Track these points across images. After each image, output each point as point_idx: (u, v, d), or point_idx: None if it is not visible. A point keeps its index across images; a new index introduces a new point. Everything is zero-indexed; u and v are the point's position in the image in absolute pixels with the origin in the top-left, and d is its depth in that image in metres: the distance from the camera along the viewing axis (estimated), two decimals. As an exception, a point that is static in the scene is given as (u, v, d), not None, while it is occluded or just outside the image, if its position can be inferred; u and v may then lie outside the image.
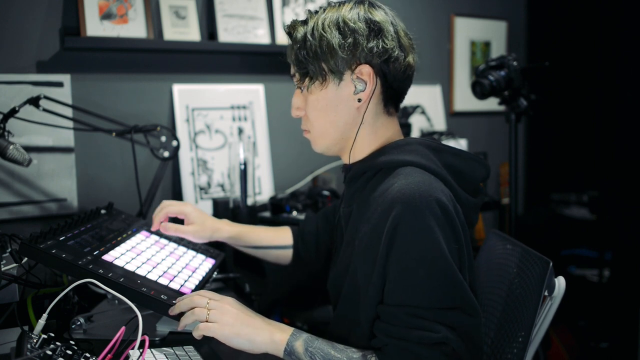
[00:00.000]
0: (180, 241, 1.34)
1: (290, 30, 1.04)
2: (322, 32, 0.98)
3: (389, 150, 1.00)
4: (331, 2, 1.04)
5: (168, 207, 1.30)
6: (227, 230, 1.30)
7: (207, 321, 0.92)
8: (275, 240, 1.34)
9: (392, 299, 0.89)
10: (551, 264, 1.04)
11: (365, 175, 1.02)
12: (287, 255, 1.35)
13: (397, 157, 0.97)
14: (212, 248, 1.39)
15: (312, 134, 1.06)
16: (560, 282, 1.07)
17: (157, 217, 1.29)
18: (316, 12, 1.03)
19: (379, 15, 0.99)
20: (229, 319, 0.92)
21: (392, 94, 1.02)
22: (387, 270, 0.89)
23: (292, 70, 1.05)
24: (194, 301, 0.95)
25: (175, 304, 0.99)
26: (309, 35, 0.99)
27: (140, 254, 1.16)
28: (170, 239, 1.33)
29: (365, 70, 0.97)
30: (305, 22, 1.02)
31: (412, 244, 0.87)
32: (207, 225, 1.29)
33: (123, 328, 0.85)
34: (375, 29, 0.97)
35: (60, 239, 1.06)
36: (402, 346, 0.87)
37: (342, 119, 1.01)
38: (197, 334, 0.93)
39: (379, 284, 0.90)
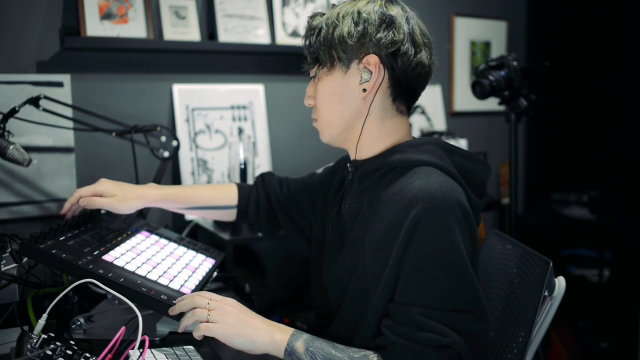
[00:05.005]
0: (180, 241, 1.34)
1: (310, 19, 1.07)
2: (336, 20, 1.00)
3: (404, 149, 1.00)
4: None
5: (80, 191, 1.22)
6: (154, 195, 1.25)
7: (207, 322, 0.92)
8: (213, 200, 1.30)
9: (404, 298, 0.89)
10: (551, 264, 1.04)
11: (379, 172, 1.01)
12: (230, 214, 1.32)
13: (413, 156, 0.97)
14: (212, 248, 1.39)
15: (319, 122, 1.07)
16: (560, 282, 1.07)
17: (69, 201, 1.22)
18: (337, 5, 1.06)
19: (394, 10, 1.00)
20: (229, 319, 0.92)
21: (400, 90, 1.02)
22: (401, 268, 0.89)
23: (308, 59, 1.07)
24: (195, 301, 0.95)
25: (175, 304, 0.99)
26: (323, 24, 1.02)
27: (140, 254, 1.16)
28: (170, 239, 1.33)
29: (372, 60, 0.98)
30: (324, 14, 1.05)
31: (432, 244, 0.87)
32: (127, 195, 1.22)
33: (123, 328, 0.85)
34: (387, 21, 0.98)
35: (60, 239, 1.06)
36: (409, 346, 0.87)
37: (347, 109, 1.02)
38: (197, 335, 0.92)
39: (391, 281, 0.90)
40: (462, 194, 0.93)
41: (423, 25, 1.03)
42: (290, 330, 0.94)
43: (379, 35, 0.97)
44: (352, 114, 1.02)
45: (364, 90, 1.00)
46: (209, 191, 1.31)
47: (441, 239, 0.87)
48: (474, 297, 0.88)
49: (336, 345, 0.92)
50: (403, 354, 0.87)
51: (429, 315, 0.86)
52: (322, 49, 1.01)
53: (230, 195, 1.32)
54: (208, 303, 0.94)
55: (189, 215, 1.79)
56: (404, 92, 1.02)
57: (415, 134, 2.28)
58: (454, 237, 0.87)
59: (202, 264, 1.27)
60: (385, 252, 0.91)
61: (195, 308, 0.95)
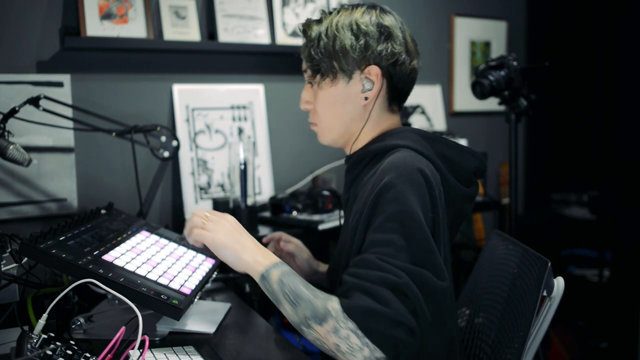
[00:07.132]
0: (180, 241, 1.34)
1: (305, 28, 1.10)
2: (336, 32, 1.04)
3: (384, 137, 1.06)
4: (344, 5, 1.09)
5: (284, 236, 1.35)
6: (323, 268, 1.34)
7: (202, 229, 1.02)
8: None
9: (367, 249, 0.92)
10: (549, 264, 1.04)
11: (363, 161, 1.07)
12: None
13: (391, 142, 1.03)
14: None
15: (320, 127, 1.12)
16: (559, 283, 1.07)
17: (275, 236, 1.36)
18: (330, 13, 1.09)
19: (389, 21, 1.05)
20: (222, 230, 1.01)
21: (396, 94, 1.09)
22: (369, 229, 0.93)
23: (304, 66, 1.10)
24: (195, 212, 1.07)
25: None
26: (323, 35, 1.05)
27: (140, 254, 1.16)
28: (170, 239, 1.33)
29: (374, 71, 1.04)
30: (319, 22, 1.08)
31: (390, 204, 0.91)
32: (310, 256, 1.34)
33: (123, 328, 0.85)
34: (385, 33, 1.04)
35: (60, 239, 1.06)
36: (364, 286, 0.88)
37: (349, 115, 1.08)
38: (191, 239, 1.04)
39: (360, 242, 0.95)
40: (429, 167, 0.96)
41: (409, 30, 1.09)
42: (276, 260, 0.98)
43: (379, 48, 1.03)
44: (353, 120, 1.08)
45: (366, 98, 1.06)
46: None
47: (400, 202, 0.91)
48: (430, 258, 0.90)
49: (308, 285, 0.95)
50: (359, 296, 0.88)
51: (387, 261, 0.88)
52: (325, 61, 1.05)
53: None
54: (207, 215, 1.04)
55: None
56: (399, 95, 1.10)
57: (415, 134, 2.27)
58: (411, 202, 0.91)
59: (202, 264, 1.27)
60: (361, 223, 0.96)
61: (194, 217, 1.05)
